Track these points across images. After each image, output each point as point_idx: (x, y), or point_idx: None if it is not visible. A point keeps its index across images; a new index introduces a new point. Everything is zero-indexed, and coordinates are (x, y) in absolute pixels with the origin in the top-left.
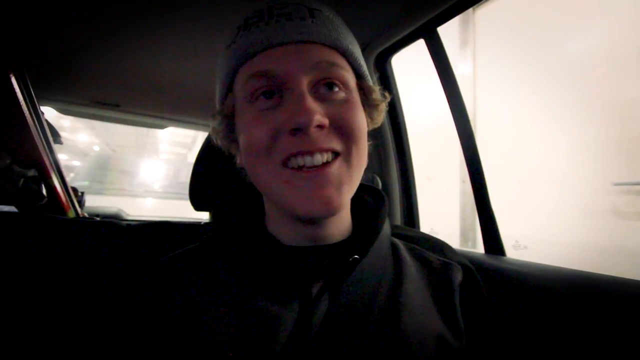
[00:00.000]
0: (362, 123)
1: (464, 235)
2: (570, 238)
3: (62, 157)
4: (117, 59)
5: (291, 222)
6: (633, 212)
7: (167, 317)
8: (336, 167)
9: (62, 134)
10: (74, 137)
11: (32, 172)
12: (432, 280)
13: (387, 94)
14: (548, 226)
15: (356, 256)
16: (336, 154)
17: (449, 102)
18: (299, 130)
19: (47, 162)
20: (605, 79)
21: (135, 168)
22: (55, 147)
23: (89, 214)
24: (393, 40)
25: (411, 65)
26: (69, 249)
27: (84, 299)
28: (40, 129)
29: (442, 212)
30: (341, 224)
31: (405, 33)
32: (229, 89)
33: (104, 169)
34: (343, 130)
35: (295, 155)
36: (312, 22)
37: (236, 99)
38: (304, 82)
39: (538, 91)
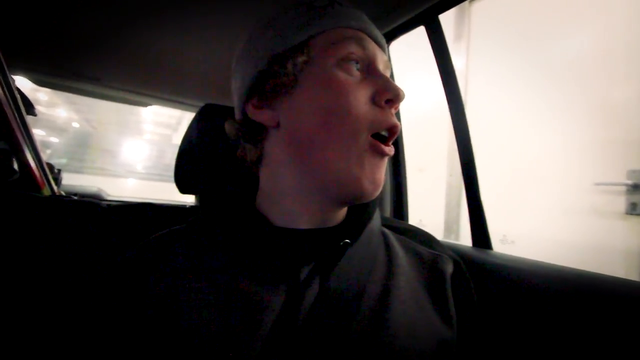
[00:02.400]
0: None
1: (448, 228)
2: (555, 235)
3: (39, 133)
4: (100, 29)
5: (307, 203)
6: (611, 211)
7: (146, 300)
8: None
9: (39, 108)
10: (51, 112)
11: (1, 145)
12: (424, 273)
13: None
14: (535, 223)
15: (347, 240)
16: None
17: (446, 92)
18: (391, 102)
19: (18, 135)
20: (595, 79)
21: (117, 147)
22: (28, 119)
23: (66, 193)
24: (393, 26)
25: (405, 55)
26: (42, 228)
27: (58, 282)
28: (11, 98)
29: (430, 204)
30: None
31: (405, 19)
32: (298, 48)
33: (83, 147)
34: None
35: (383, 131)
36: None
37: (312, 62)
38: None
39: (529, 89)
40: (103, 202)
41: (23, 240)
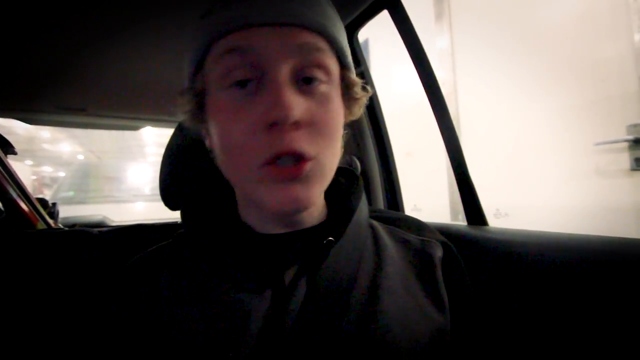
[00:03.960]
0: (338, 122)
1: (454, 209)
2: (554, 202)
3: (47, 169)
4: (78, 61)
5: (262, 212)
6: (615, 169)
7: (133, 319)
8: (308, 168)
9: (44, 146)
10: (56, 148)
11: None
12: (413, 260)
13: (369, 88)
14: (530, 192)
15: (331, 238)
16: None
17: (418, 73)
18: (275, 125)
19: None
20: (582, 39)
21: (122, 173)
22: (8, 158)
23: (67, 225)
24: (356, 13)
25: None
26: (31, 262)
27: (52, 313)
28: None
29: (426, 188)
30: (315, 209)
31: (366, 4)
32: (199, 64)
33: (88, 177)
34: (319, 132)
35: (270, 161)
36: (299, 2)
37: (208, 78)
38: (284, 69)
39: (517, 58)
40: (94, 230)
41: (12, 276)
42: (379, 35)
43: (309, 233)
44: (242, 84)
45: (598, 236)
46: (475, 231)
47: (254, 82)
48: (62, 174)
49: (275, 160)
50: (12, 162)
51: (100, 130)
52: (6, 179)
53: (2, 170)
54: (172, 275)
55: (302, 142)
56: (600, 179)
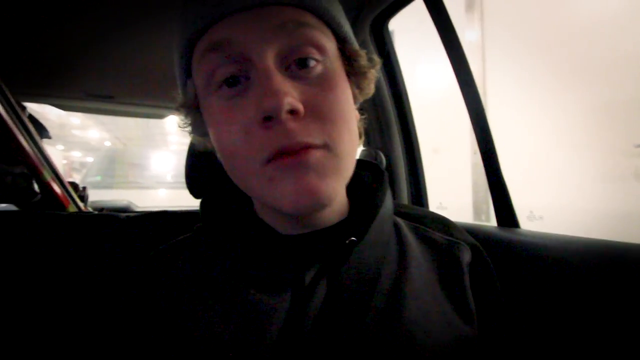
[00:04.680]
0: (346, 103)
1: (477, 209)
2: (590, 205)
3: (76, 154)
4: (106, 50)
5: (280, 213)
6: None
7: (154, 312)
8: (317, 154)
9: (74, 132)
10: (85, 134)
11: (19, 169)
12: (439, 262)
13: (376, 58)
14: (565, 194)
15: (353, 238)
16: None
17: (453, 67)
18: (270, 120)
19: (34, 158)
20: (620, 33)
21: (145, 160)
22: (43, 142)
23: (95, 208)
24: (388, 2)
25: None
26: (64, 243)
27: (80, 294)
28: (21, 125)
29: (451, 186)
30: (335, 206)
31: None
32: (187, 73)
33: (115, 163)
34: (324, 117)
35: (272, 158)
36: None
37: (197, 86)
38: (269, 55)
39: (552, 53)
40: (123, 214)
41: (46, 255)
42: (405, 26)
43: (331, 232)
44: (230, 82)
45: (638, 244)
46: (506, 233)
47: (243, 78)
48: (90, 159)
49: (277, 156)
50: (45, 146)
51: (126, 118)
52: (41, 162)
53: (38, 153)
54: (193, 269)
55: (305, 132)
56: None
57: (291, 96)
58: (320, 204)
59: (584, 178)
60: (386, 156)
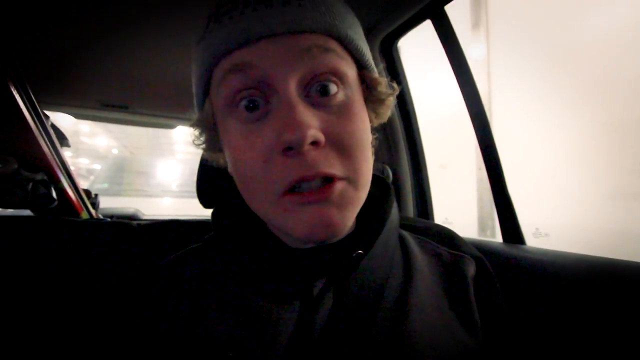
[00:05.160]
0: (364, 132)
1: (482, 224)
2: (596, 223)
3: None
4: (122, 61)
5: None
6: None
7: (163, 321)
8: (340, 187)
9: (82, 139)
10: (93, 142)
11: (40, 176)
12: (444, 275)
13: (395, 86)
14: (571, 212)
15: (360, 251)
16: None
17: (460, 85)
18: (291, 149)
19: (54, 166)
20: (627, 52)
21: (152, 169)
22: (63, 150)
23: (105, 215)
24: (398, 23)
25: (423, 48)
26: (79, 250)
27: (92, 300)
28: (45, 133)
29: (457, 201)
30: None
31: (411, 14)
32: (205, 92)
33: (122, 171)
34: (344, 147)
35: (292, 188)
36: (299, 5)
37: (215, 106)
38: (292, 82)
39: (558, 71)
40: (134, 222)
41: (62, 260)
42: (411, 42)
43: (338, 245)
44: (250, 106)
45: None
46: (511, 249)
47: (263, 102)
48: (97, 166)
49: (296, 186)
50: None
51: (134, 127)
52: (61, 170)
53: (57, 159)
54: (202, 279)
55: (326, 163)
56: None
57: (314, 128)
58: (334, 236)
59: (592, 197)
60: (393, 170)
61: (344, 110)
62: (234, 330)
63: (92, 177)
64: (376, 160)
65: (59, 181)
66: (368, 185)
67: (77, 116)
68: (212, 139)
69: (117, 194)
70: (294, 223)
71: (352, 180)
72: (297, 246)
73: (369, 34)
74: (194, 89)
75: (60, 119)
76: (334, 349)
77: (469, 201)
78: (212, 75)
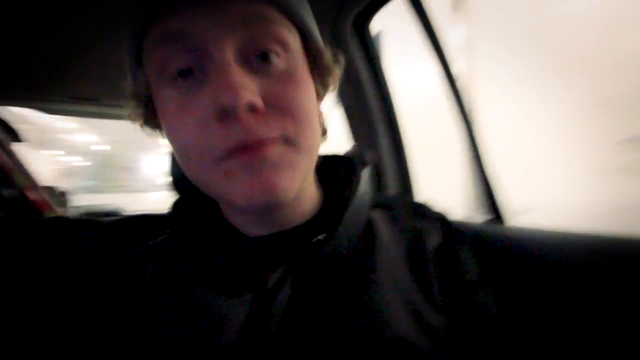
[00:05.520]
0: (308, 99)
1: (467, 204)
2: (579, 199)
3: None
4: (91, 52)
5: (240, 212)
6: None
7: (115, 320)
8: (277, 148)
9: (72, 137)
10: (78, 138)
11: None
12: (407, 249)
13: (340, 57)
14: (558, 187)
15: (319, 237)
16: None
17: (437, 64)
18: (227, 115)
19: (4, 163)
20: (607, 31)
21: (136, 164)
22: (14, 146)
23: (88, 214)
24: (367, 1)
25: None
26: (36, 250)
27: (49, 302)
28: None
29: (442, 182)
30: (302, 203)
31: None
32: (137, 62)
33: (107, 167)
34: (285, 112)
35: (228, 155)
36: None
37: (148, 76)
38: (229, 48)
39: (539, 51)
40: (104, 218)
41: (19, 263)
42: (393, 26)
43: (299, 231)
44: (185, 74)
45: (625, 236)
46: (490, 229)
47: (198, 70)
48: (81, 163)
49: (233, 153)
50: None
51: (118, 122)
52: (13, 168)
53: (9, 158)
54: (157, 275)
55: (263, 127)
56: (628, 176)
57: (250, 90)
58: (276, 199)
59: (573, 173)
60: (373, 153)
61: (286, 77)
62: (183, 327)
63: (77, 175)
64: (355, 144)
65: (11, 179)
66: (314, 152)
67: (46, 111)
68: (149, 113)
69: (103, 190)
70: (234, 190)
71: (291, 141)
72: (254, 233)
73: (339, 15)
74: (124, 59)
75: (33, 115)
76: (289, 343)
77: (454, 182)
78: (143, 44)
